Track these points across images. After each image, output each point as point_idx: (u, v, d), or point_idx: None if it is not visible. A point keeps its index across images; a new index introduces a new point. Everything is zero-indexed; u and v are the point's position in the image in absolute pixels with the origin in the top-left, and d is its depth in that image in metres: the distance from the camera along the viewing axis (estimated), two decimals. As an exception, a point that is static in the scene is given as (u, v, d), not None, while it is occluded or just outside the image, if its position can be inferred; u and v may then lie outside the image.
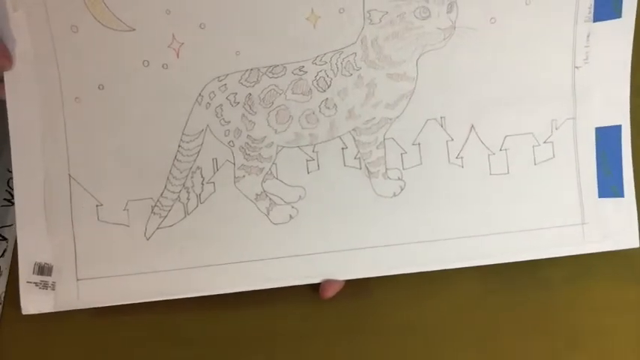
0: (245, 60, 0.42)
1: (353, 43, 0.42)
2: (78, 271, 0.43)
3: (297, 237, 0.43)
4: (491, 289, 0.47)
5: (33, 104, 0.42)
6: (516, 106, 0.43)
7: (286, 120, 0.42)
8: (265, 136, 0.43)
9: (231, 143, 0.43)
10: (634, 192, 0.44)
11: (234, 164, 0.43)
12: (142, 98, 0.42)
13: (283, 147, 0.43)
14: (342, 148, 0.43)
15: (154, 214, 0.43)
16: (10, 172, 0.47)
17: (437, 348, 0.46)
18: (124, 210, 0.43)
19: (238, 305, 0.46)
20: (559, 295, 0.47)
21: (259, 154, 0.43)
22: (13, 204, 0.47)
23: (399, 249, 0.43)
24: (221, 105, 0.42)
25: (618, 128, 0.44)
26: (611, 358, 0.46)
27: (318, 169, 0.43)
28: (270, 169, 0.43)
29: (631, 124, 0.44)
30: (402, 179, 0.43)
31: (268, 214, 0.43)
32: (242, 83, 0.42)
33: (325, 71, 0.42)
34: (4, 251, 0.47)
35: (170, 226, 0.43)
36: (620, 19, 0.42)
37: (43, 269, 0.42)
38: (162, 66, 0.41)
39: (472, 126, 0.43)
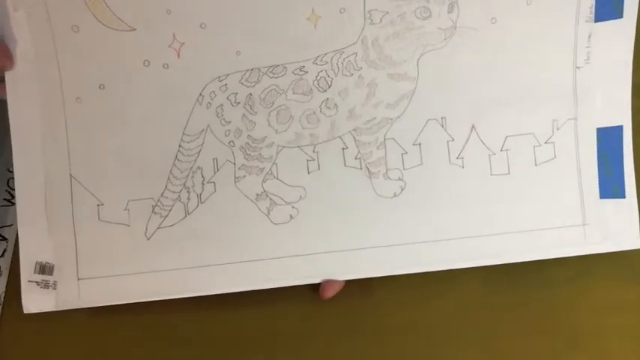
0: (246, 60, 0.42)
1: (354, 43, 0.42)
2: (79, 271, 0.43)
3: (297, 237, 0.43)
4: (492, 289, 0.47)
5: (34, 104, 0.42)
6: (517, 106, 0.43)
7: (287, 120, 0.42)
8: (266, 136, 0.43)
9: (231, 143, 0.43)
10: (635, 193, 0.44)
11: (235, 164, 0.43)
12: (143, 98, 0.42)
13: (284, 147, 0.43)
14: (343, 148, 0.43)
15: (155, 213, 0.43)
16: (11, 171, 0.47)
17: (438, 348, 0.46)
18: (125, 210, 0.43)
19: (238, 305, 0.46)
20: (560, 295, 0.47)
21: (260, 154, 0.43)
22: (13, 204, 0.47)
23: (400, 249, 0.43)
24: (222, 105, 0.42)
25: (620, 129, 0.44)
26: (611, 358, 0.46)
27: (319, 169, 0.43)
28: (270, 169, 0.43)
29: (632, 125, 0.43)
30: (402, 179, 0.43)
31: (269, 214, 0.43)
32: (243, 83, 0.42)
33: (326, 71, 0.42)
34: (4, 251, 0.47)
35: (171, 225, 0.43)
36: (622, 19, 0.42)
37: (44, 268, 0.42)
38: (163, 66, 0.42)
39: (473, 126, 0.43)
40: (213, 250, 0.43)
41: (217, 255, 0.43)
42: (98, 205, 0.43)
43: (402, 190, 0.43)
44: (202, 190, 0.43)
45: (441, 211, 0.43)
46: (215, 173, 0.43)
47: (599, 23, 0.42)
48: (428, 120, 0.43)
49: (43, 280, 0.42)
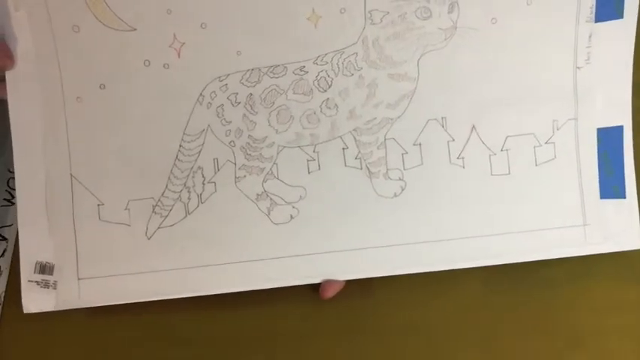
0: (246, 60, 0.42)
1: (354, 43, 0.42)
2: (79, 271, 0.43)
3: (297, 237, 0.43)
4: (493, 289, 0.47)
5: (34, 104, 0.42)
6: (517, 106, 0.43)
7: (287, 120, 0.42)
8: (266, 136, 0.43)
9: (232, 143, 0.43)
10: (636, 193, 0.44)
11: (235, 164, 0.43)
12: (143, 98, 0.42)
13: (284, 147, 0.43)
14: (343, 148, 0.43)
15: (155, 213, 0.43)
16: (11, 171, 0.47)
17: (438, 348, 0.46)
18: (125, 209, 0.43)
19: (238, 305, 0.46)
20: (561, 296, 0.47)
21: (260, 154, 0.43)
22: (13, 204, 0.47)
23: (400, 249, 0.43)
24: (222, 105, 0.42)
25: (620, 129, 0.44)
26: (612, 358, 0.46)
27: (319, 169, 0.43)
28: (271, 169, 0.43)
29: (633, 125, 0.44)
30: (402, 179, 0.43)
31: (269, 214, 0.43)
32: (243, 83, 0.42)
33: (326, 71, 0.42)
34: (4, 251, 0.47)
35: (171, 225, 0.43)
36: (622, 19, 0.42)
37: (44, 268, 0.42)
38: (164, 66, 0.42)
39: (473, 126, 0.43)
40: (213, 250, 0.43)
41: (217, 255, 0.43)
42: (99, 205, 0.43)
43: (403, 190, 0.43)
44: (203, 190, 0.43)
45: (441, 211, 0.43)
46: (215, 173, 0.43)
47: (599, 23, 0.42)
48: (428, 120, 0.43)
49: (43, 280, 0.42)
